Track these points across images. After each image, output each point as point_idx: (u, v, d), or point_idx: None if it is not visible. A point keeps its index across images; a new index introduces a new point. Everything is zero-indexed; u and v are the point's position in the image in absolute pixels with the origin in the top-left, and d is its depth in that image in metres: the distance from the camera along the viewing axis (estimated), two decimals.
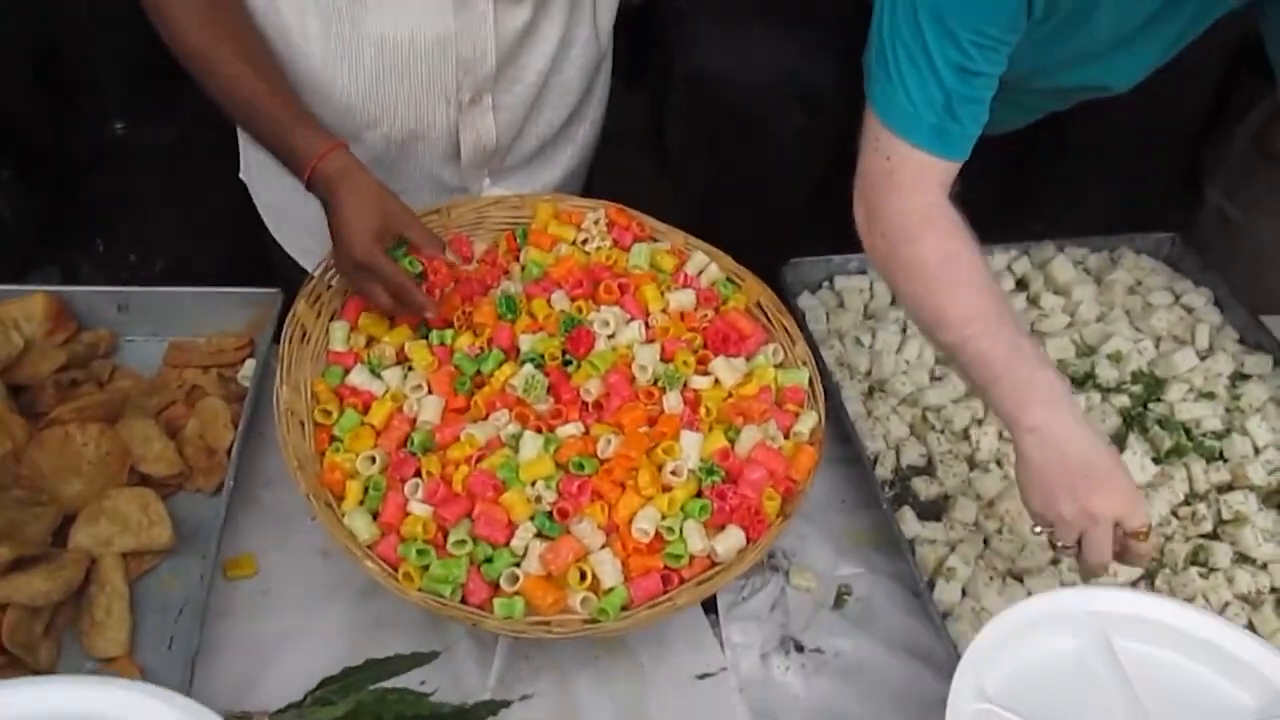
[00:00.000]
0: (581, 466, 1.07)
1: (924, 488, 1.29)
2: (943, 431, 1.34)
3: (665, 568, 1.04)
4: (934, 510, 1.28)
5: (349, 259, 1.14)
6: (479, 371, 1.18)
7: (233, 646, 1.13)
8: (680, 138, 1.46)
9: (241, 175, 1.52)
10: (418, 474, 1.09)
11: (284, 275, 1.48)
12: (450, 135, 1.30)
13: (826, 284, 1.52)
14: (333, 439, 1.14)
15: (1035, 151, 1.70)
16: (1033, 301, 1.50)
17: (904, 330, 1.45)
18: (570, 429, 1.11)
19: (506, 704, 1.05)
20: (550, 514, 1.04)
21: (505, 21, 1.21)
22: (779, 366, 1.21)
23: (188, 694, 1.03)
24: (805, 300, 1.48)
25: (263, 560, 1.21)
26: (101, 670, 1.09)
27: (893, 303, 1.51)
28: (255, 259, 2.28)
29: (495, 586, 1.02)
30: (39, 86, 2.61)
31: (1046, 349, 1.42)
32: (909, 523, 1.24)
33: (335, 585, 1.18)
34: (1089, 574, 1.04)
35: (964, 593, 1.19)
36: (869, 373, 1.40)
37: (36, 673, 1.08)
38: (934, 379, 1.40)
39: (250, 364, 1.35)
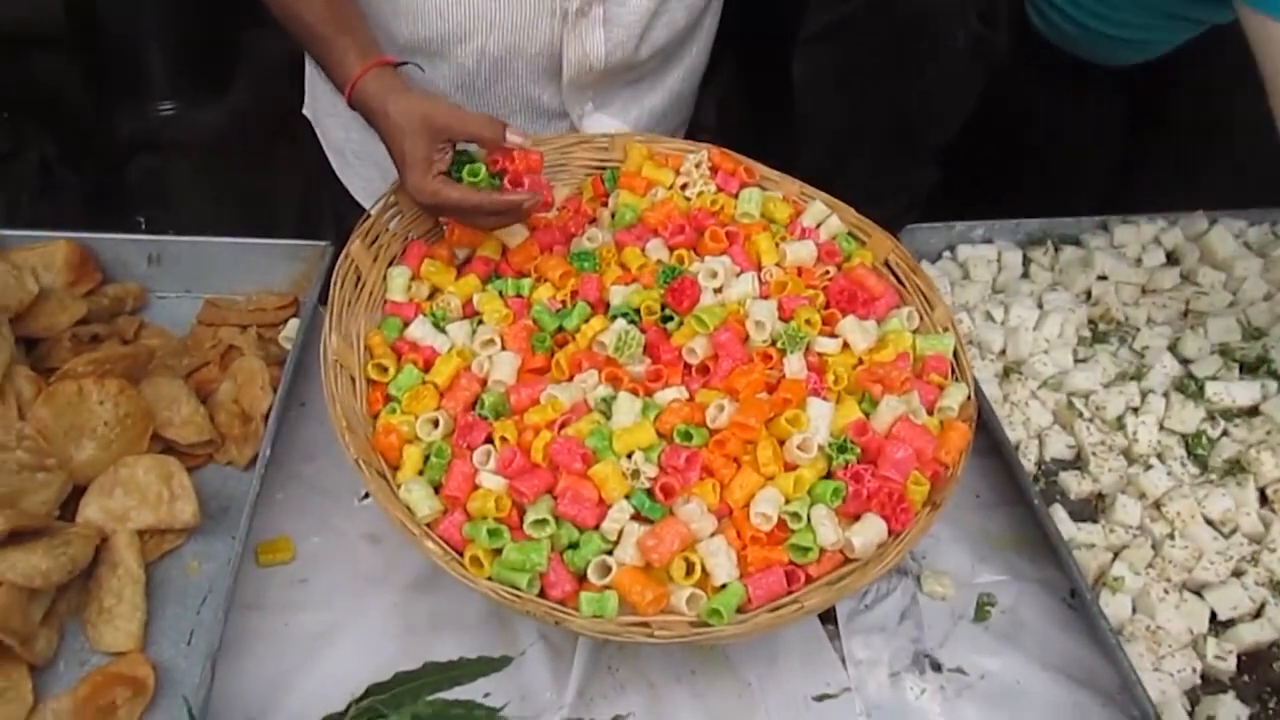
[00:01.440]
0: (689, 436, 0.88)
1: (1075, 484, 1.10)
2: (1093, 420, 1.14)
3: (790, 562, 0.85)
4: (1087, 510, 1.09)
5: (415, 202, 1.01)
6: (561, 328, 1.00)
7: (263, 643, 0.96)
8: (818, 57, 1.26)
9: (305, 110, 1.36)
10: (489, 441, 0.91)
11: (346, 209, 1.33)
12: (553, 51, 1.12)
13: (948, 254, 1.33)
14: (388, 399, 0.97)
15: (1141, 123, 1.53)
16: (1187, 277, 1.30)
17: (1040, 305, 1.25)
18: (672, 393, 0.93)
19: None
20: (650, 492, 0.86)
21: None
22: (916, 332, 1.02)
23: (208, 697, 0.86)
24: (925, 270, 1.29)
25: (301, 545, 1.03)
26: (109, 666, 0.92)
27: (1024, 275, 1.31)
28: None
29: (582, 578, 0.84)
30: (83, 67, 2.51)
31: (1207, 330, 1.22)
32: (1064, 523, 1.04)
33: (385, 575, 1.01)
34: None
35: (1134, 607, 0.99)
36: (1003, 351, 1.21)
37: (32, 667, 0.91)
38: (1079, 360, 1.20)
39: (293, 323, 1.19)
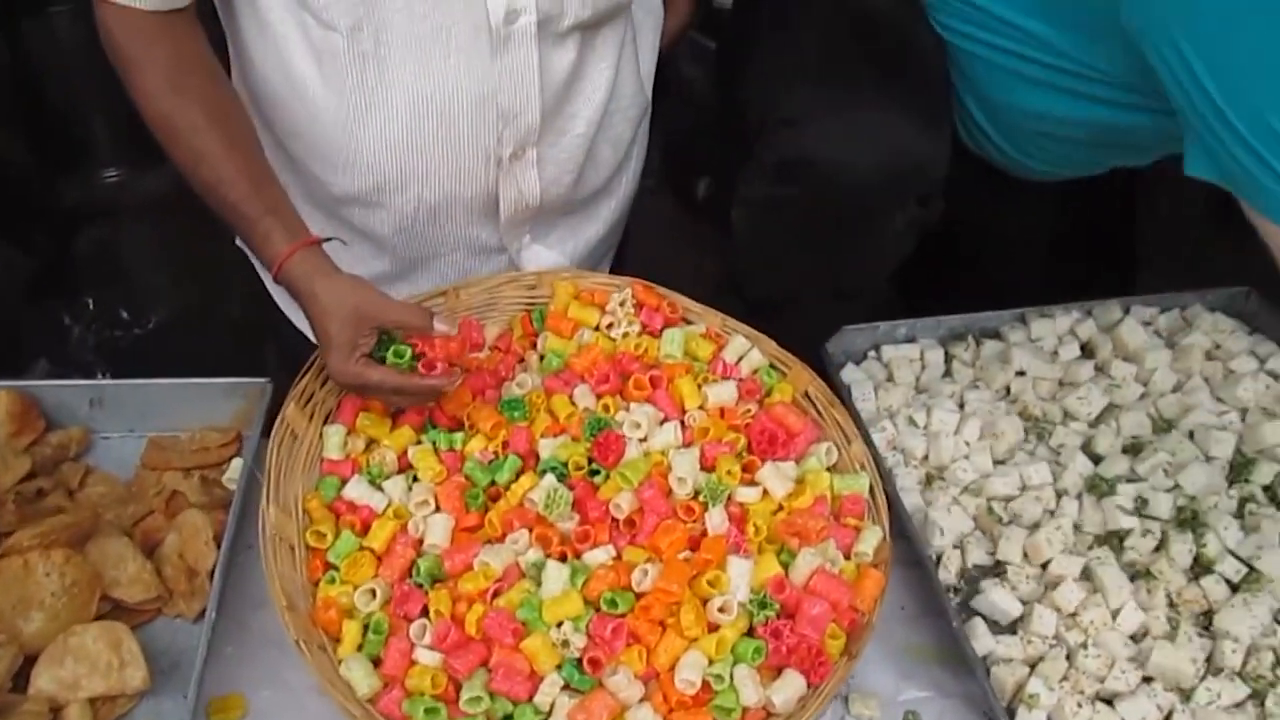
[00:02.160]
0: (615, 604, 0.92)
1: (994, 593, 1.15)
2: (1010, 524, 1.19)
3: None
4: (1008, 619, 1.14)
5: (337, 380, 1.04)
6: (493, 482, 1.04)
7: None
8: (756, 220, 1.30)
9: (239, 242, 1.39)
10: (425, 612, 0.95)
11: (288, 338, 1.35)
12: (489, 193, 1.16)
13: (873, 353, 1.38)
14: (328, 566, 1.00)
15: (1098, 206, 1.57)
16: (1101, 370, 1.36)
17: (961, 406, 1.30)
18: (600, 554, 0.97)
19: None
20: (580, 662, 0.90)
21: (550, 65, 1.08)
22: (833, 469, 1.06)
23: None
24: (850, 373, 1.33)
25: (252, 698, 1.06)
26: None
27: (946, 374, 1.36)
28: (254, 315, 2.15)
29: None
30: (26, 138, 2.50)
31: (1119, 423, 1.28)
32: (981, 638, 1.09)
33: None
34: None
35: None
36: (926, 457, 1.26)
37: None
38: (998, 462, 1.25)
39: (236, 464, 1.21)
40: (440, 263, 1.23)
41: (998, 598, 1.13)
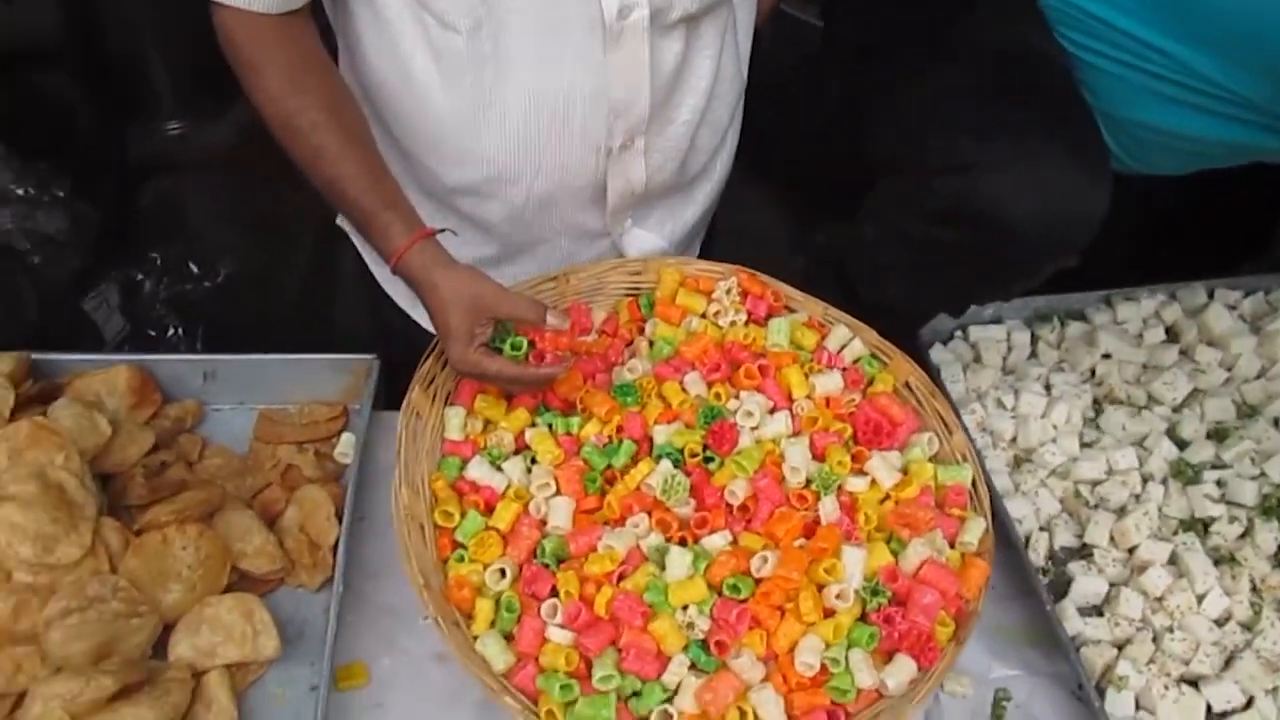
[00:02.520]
0: (737, 589, 0.97)
1: (1081, 576, 1.18)
2: (1097, 507, 1.23)
3: (831, 703, 0.94)
4: (1096, 602, 1.18)
5: (456, 369, 1.09)
6: (609, 466, 1.08)
7: None
8: (906, 251, 1.32)
9: (340, 222, 1.42)
10: (553, 591, 1.00)
11: (364, 289, 1.39)
12: (597, 183, 1.18)
13: (959, 334, 1.40)
14: (455, 544, 1.04)
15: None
16: (1186, 354, 1.38)
17: (1048, 387, 1.33)
18: (718, 540, 1.01)
19: None
20: (705, 644, 0.95)
21: (659, 57, 1.09)
22: (935, 459, 1.10)
23: None
24: (938, 354, 1.37)
25: (373, 667, 1.12)
26: None
27: (1033, 354, 1.39)
28: (329, 268, 2.17)
29: None
30: (91, 92, 2.51)
31: (1204, 408, 1.31)
32: (1070, 619, 1.14)
33: (454, 695, 1.09)
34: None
35: (1137, 703, 1.09)
36: (1014, 440, 1.29)
37: None
38: (1085, 445, 1.28)
39: (347, 439, 1.26)
40: (545, 247, 1.26)
41: (1086, 581, 1.17)
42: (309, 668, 1.10)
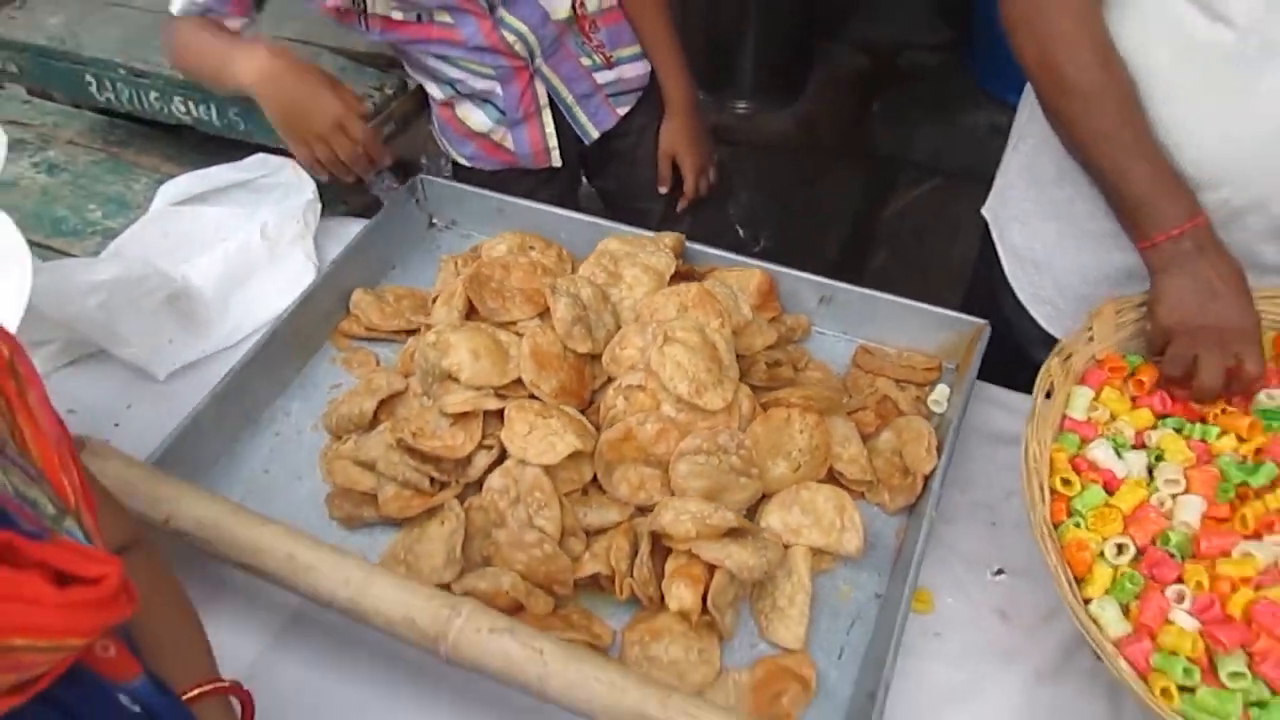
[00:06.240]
0: None
1: None
2: None
3: None
4: None
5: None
6: (1245, 482, 1.04)
7: (899, 680, 1.08)
8: None
9: (985, 211, 1.46)
10: (1179, 580, 0.97)
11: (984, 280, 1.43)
12: None
13: None
14: (1071, 512, 1.05)
15: None
16: None
17: None
18: None
19: None
20: None
21: None
22: None
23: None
24: None
25: (937, 601, 1.15)
26: (779, 659, 1.08)
27: None
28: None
29: None
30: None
31: None
32: None
33: (1013, 654, 1.10)
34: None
35: None
36: None
37: (719, 639, 1.09)
38: None
39: (941, 389, 1.31)
40: None
41: None
42: (877, 577, 1.16)
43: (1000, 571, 1.17)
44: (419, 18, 1.47)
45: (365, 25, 1.47)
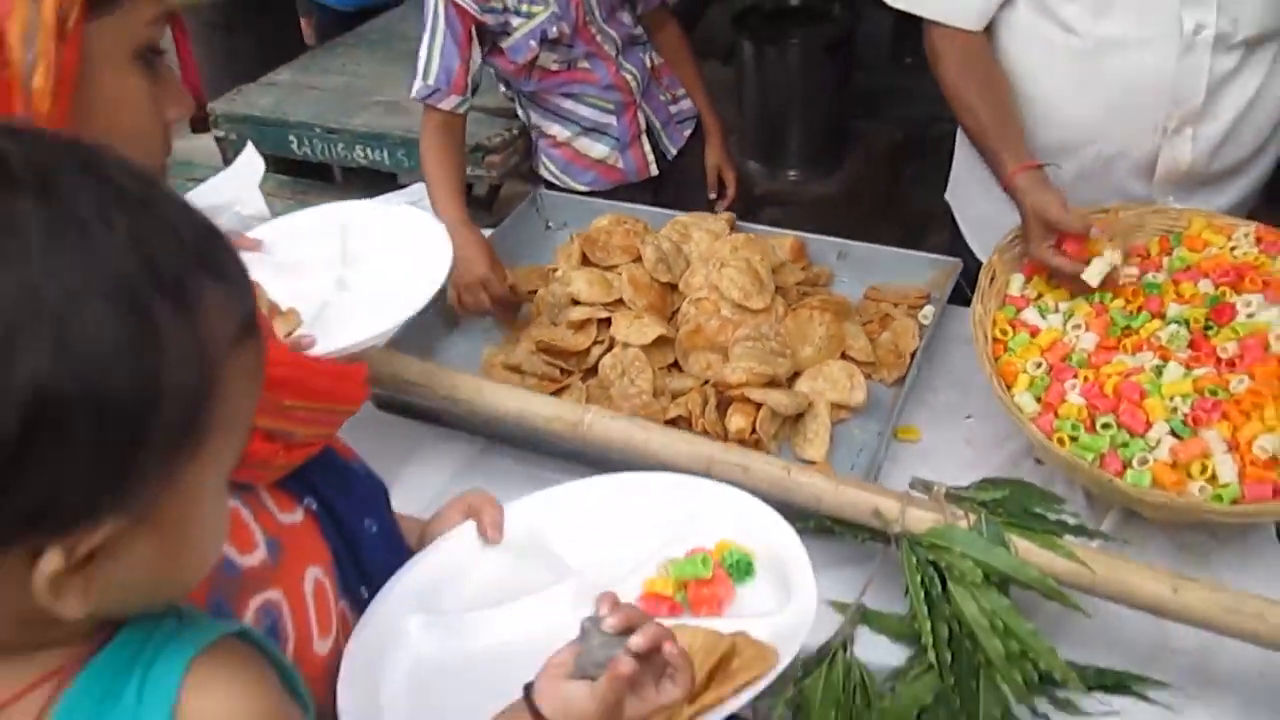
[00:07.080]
0: (1215, 393, 1.34)
1: None
2: None
3: (1276, 482, 1.27)
4: None
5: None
6: (1129, 326, 1.50)
7: (898, 476, 1.53)
8: None
9: (947, 196, 1.98)
10: (1074, 379, 1.43)
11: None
12: (1149, 157, 1.64)
13: None
14: (1006, 349, 1.52)
15: None
16: None
17: None
18: (1207, 370, 1.39)
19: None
20: (1184, 421, 1.33)
21: (1217, 66, 1.54)
22: None
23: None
24: None
25: (923, 436, 1.61)
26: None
27: None
28: None
29: (1125, 466, 1.33)
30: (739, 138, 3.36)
31: None
32: None
33: (975, 464, 1.55)
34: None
35: None
36: None
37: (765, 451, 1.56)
38: None
39: (929, 309, 1.79)
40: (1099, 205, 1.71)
41: None
42: (879, 424, 1.63)
43: (969, 416, 1.63)
44: (569, 65, 2.07)
45: (530, 76, 2.07)
